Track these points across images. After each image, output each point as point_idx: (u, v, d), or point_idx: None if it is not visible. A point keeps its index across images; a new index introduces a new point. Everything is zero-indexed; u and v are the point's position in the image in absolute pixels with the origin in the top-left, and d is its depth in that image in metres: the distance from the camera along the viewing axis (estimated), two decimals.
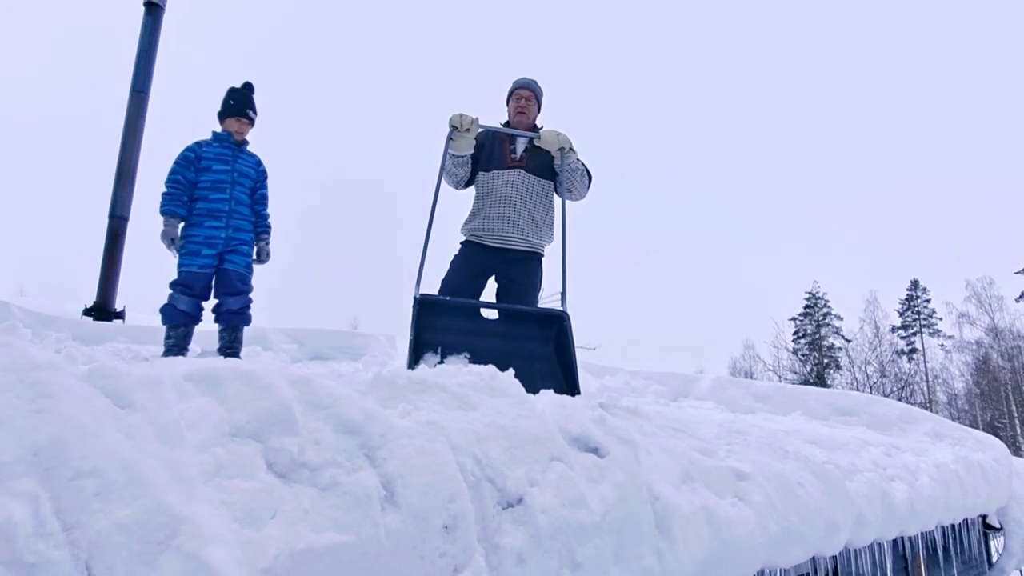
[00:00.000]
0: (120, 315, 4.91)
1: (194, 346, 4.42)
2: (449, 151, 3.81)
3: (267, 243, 4.13)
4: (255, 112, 4.13)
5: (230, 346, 3.96)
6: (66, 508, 1.26)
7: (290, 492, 1.59)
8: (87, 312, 4.78)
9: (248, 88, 4.18)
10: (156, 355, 3.69)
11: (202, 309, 3.90)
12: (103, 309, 4.84)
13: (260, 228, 4.13)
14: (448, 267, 3.92)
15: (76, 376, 1.42)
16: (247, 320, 4.04)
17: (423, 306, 3.43)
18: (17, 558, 1.17)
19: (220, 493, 1.49)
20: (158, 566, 1.29)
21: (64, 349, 1.52)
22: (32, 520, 1.21)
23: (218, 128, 4.08)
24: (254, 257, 4.08)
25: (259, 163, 4.18)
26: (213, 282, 3.91)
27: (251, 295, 4.05)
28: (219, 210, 3.91)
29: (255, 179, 4.12)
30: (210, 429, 1.59)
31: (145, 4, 5.33)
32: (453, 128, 3.74)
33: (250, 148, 4.18)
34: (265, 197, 4.16)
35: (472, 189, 4.07)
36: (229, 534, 1.41)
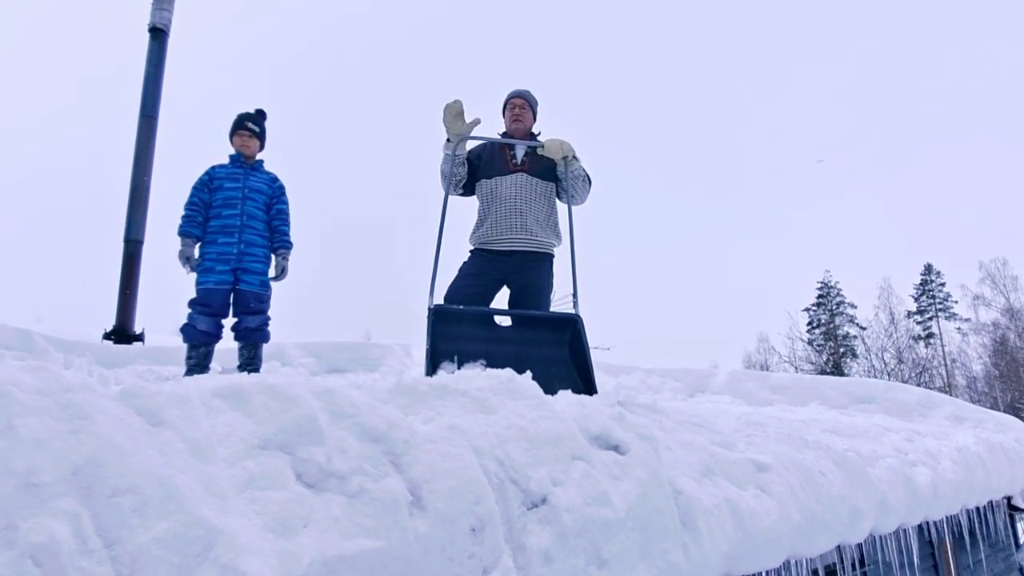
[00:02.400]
0: (140, 337, 4.97)
1: (214, 364, 4.47)
2: (444, 151, 3.90)
3: (285, 259, 4.13)
4: (257, 126, 4.19)
5: (250, 363, 4.01)
6: (106, 525, 1.30)
7: (320, 501, 1.62)
8: (107, 336, 4.85)
9: (258, 112, 4.29)
10: (178, 375, 3.74)
11: (221, 327, 3.96)
12: (122, 332, 4.91)
13: (278, 243, 4.15)
14: (456, 274, 3.96)
15: (109, 397, 1.46)
16: (266, 337, 4.08)
17: (438, 316, 3.48)
18: None
19: (253, 505, 1.52)
20: None
21: (95, 372, 1.56)
22: (74, 538, 1.25)
23: (233, 151, 4.22)
24: (272, 273, 4.10)
25: (274, 179, 4.23)
26: (231, 300, 3.97)
27: (269, 313, 4.08)
28: (231, 226, 3.98)
29: (270, 194, 4.16)
30: (239, 443, 1.63)
31: (150, 30, 5.42)
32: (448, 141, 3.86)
33: (267, 167, 4.27)
34: (283, 212, 4.18)
35: (475, 200, 4.14)
36: (264, 544, 1.45)
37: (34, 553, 1.19)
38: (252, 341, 4.02)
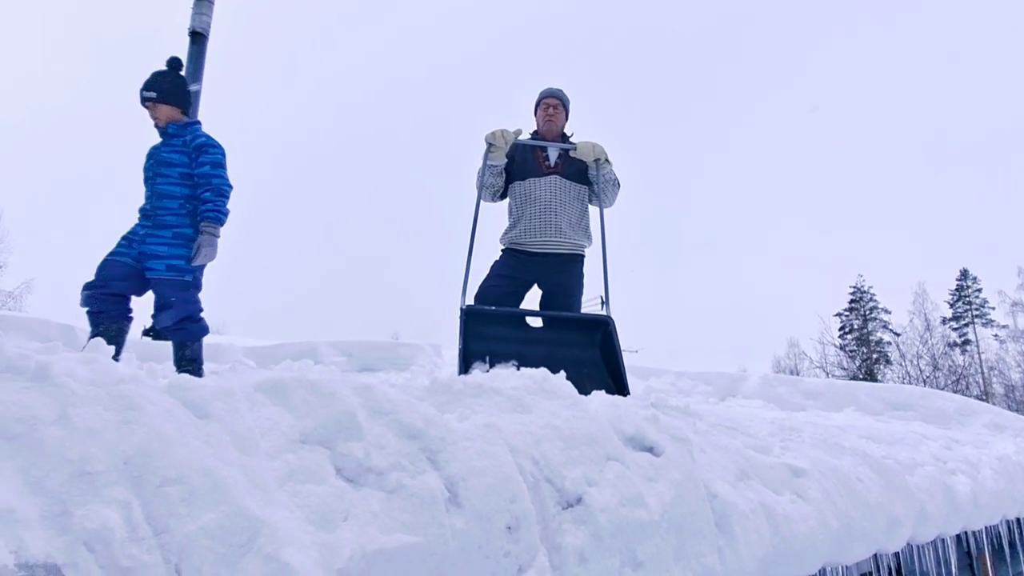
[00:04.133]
0: None
1: (248, 361, 4.52)
2: (488, 163, 3.93)
3: (207, 233, 3.34)
4: (155, 90, 3.48)
5: (179, 364, 3.40)
6: (155, 514, 1.33)
7: (359, 495, 1.64)
8: (146, 332, 4.95)
9: (170, 61, 3.62)
10: (217, 372, 3.79)
11: (111, 301, 3.33)
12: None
13: (200, 215, 3.38)
14: (487, 273, 3.98)
15: (157, 389, 1.50)
16: (191, 335, 3.40)
17: (470, 316, 3.51)
18: (114, 562, 1.24)
19: (294, 498, 1.55)
20: (241, 568, 1.35)
21: (145, 365, 1.60)
22: (125, 526, 1.28)
23: None
24: (194, 250, 3.38)
25: (193, 139, 3.46)
26: (129, 276, 3.35)
27: (189, 305, 3.38)
28: (144, 209, 3.44)
29: (186, 162, 3.43)
30: (281, 437, 1.66)
31: (190, 34, 5.53)
32: (490, 145, 3.87)
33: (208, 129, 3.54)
34: (207, 175, 3.40)
35: (505, 201, 4.16)
36: (305, 536, 1.47)
37: (87, 539, 1.22)
38: (176, 341, 3.41)
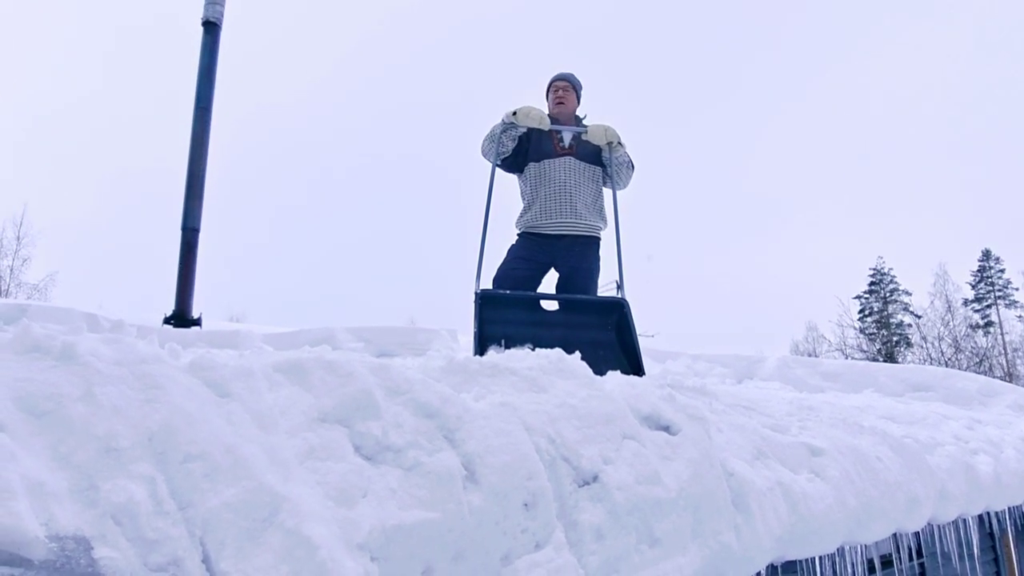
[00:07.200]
0: (197, 322, 5.13)
1: (266, 347, 4.57)
2: (505, 119, 3.89)
3: None
4: None
5: None
6: (179, 489, 1.36)
7: (377, 473, 1.67)
8: (167, 320, 5.02)
9: None
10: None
11: None
12: (181, 317, 5.07)
13: None
14: (505, 256, 3.99)
15: (179, 368, 1.53)
16: None
17: (485, 300, 3.53)
18: (141, 535, 1.27)
19: (314, 475, 1.58)
20: (264, 541, 1.38)
21: (167, 344, 1.64)
22: (151, 500, 1.31)
23: None
24: None
25: None
26: None
27: None
28: None
29: None
30: (300, 415, 1.68)
31: (203, 24, 5.56)
32: (513, 115, 3.85)
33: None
34: None
35: (517, 186, 4.15)
36: (325, 512, 1.50)
37: (115, 513, 1.25)
38: None
